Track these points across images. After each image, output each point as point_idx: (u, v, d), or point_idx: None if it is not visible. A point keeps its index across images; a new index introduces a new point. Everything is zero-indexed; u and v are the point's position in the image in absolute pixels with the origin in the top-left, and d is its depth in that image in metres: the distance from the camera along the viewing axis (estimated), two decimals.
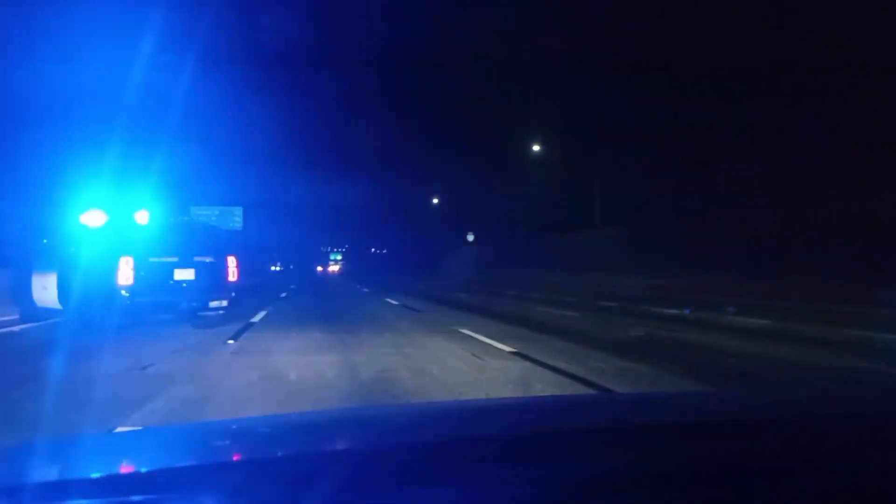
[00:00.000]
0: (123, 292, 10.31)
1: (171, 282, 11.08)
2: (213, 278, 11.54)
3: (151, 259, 10.83)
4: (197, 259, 11.40)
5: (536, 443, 1.26)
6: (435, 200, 73.10)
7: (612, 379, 6.17)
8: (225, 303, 11.87)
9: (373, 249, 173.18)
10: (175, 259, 11.22)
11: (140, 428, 4.23)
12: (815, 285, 22.56)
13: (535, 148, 41.97)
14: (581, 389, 5.74)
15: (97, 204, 11.49)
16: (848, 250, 22.48)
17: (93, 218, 11.22)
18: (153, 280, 10.75)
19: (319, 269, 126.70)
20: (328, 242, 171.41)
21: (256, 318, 12.87)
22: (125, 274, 10.34)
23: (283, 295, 24.22)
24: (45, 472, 1.10)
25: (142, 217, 11.29)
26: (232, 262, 12.22)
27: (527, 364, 7.07)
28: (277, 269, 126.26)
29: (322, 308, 17.45)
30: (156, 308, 10.97)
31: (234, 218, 63.78)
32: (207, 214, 63.30)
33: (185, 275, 11.15)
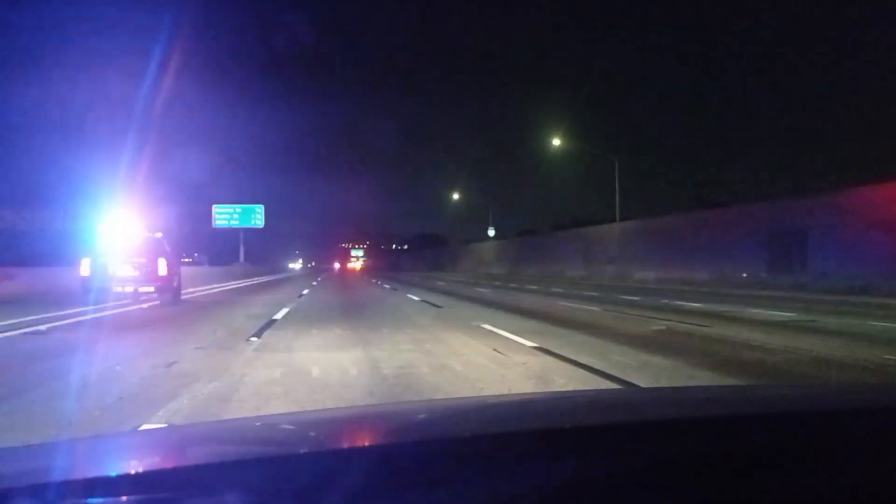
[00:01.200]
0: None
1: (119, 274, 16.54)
2: (145, 272, 16.77)
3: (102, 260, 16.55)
4: (135, 260, 16.92)
5: (560, 439, 1.25)
6: (455, 196, 72.99)
7: (635, 373, 6.14)
8: (152, 288, 16.79)
9: (394, 246, 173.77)
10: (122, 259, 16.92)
11: (165, 425, 4.27)
12: (842, 277, 22.32)
13: (556, 142, 41.63)
14: (603, 384, 5.72)
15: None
16: (875, 240, 22.20)
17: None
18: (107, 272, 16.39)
19: (337, 266, 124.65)
20: (349, 239, 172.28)
21: (278, 316, 12.95)
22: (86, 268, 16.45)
23: (305, 292, 24.34)
24: (70, 471, 1.11)
25: (113, 231, 17.83)
26: (162, 262, 17.03)
27: (549, 359, 7.05)
28: (299, 265, 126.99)
29: (343, 305, 17.52)
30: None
31: (256, 216, 64.08)
32: (229, 212, 63.73)
33: (126, 270, 16.68)
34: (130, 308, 15.30)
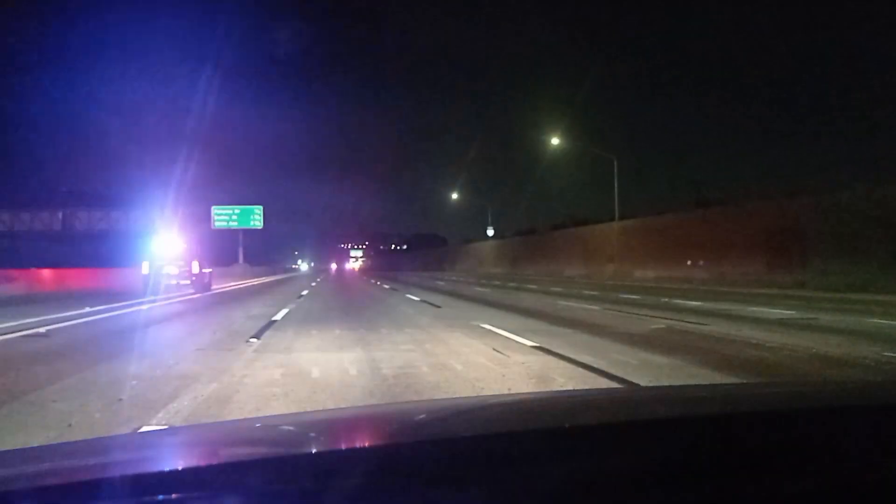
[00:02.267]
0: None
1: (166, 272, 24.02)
2: (184, 271, 24.54)
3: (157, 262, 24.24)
4: (177, 262, 24.57)
5: (561, 438, 1.25)
6: (454, 196, 72.95)
7: (635, 372, 6.14)
8: (188, 282, 24.26)
9: (393, 246, 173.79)
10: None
11: (165, 427, 4.27)
12: (841, 275, 22.32)
13: (555, 142, 41.59)
14: (603, 383, 5.72)
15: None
16: (875, 237, 22.21)
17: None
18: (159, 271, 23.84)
19: (334, 266, 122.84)
20: (348, 239, 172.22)
21: (278, 317, 12.94)
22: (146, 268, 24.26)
23: (305, 293, 24.33)
24: (72, 473, 1.11)
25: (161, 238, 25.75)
26: (195, 263, 24.70)
27: (549, 358, 7.05)
28: (298, 266, 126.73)
29: (342, 306, 17.52)
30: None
31: (255, 217, 64.04)
32: (228, 214, 63.69)
33: (171, 269, 24.20)
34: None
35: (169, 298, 19.94)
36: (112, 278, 26.40)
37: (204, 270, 25.28)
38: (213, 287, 27.07)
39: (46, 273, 26.80)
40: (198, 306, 17.52)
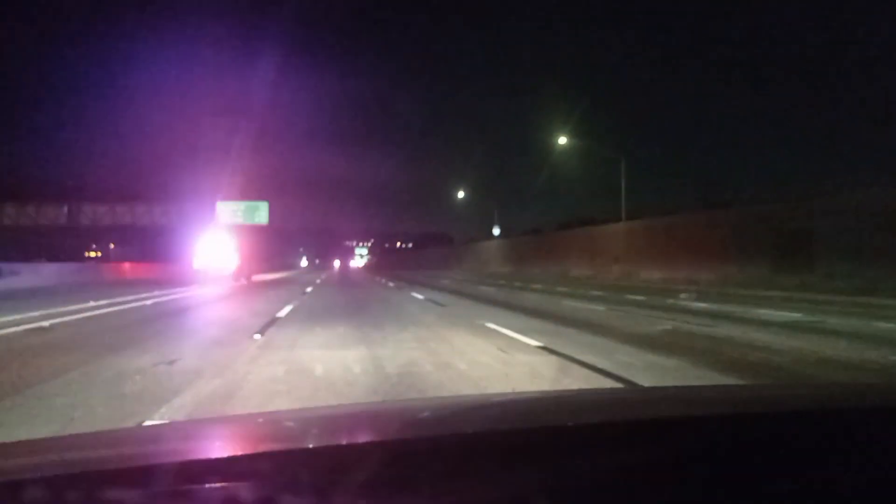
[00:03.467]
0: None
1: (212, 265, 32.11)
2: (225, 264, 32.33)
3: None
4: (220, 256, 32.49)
5: (564, 437, 1.24)
6: (461, 194, 72.91)
7: (640, 373, 6.12)
8: (230, 273, 31.11)
9: (398, 244, 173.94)
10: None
11: (167, 422, 4.27)
12: (848, 278, 22.26)
13: (562, 141, 41.53)
14: (608, 384, 5.70)
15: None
16: (883, 240, 22.13)
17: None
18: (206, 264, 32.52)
19: (337, 263, 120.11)
20: (353, 237, 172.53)
21: (282, 314, 12.97)
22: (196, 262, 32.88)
23: (309, 290, 24.37)
24: (74, 465, 1.11)
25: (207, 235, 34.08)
26: (235, 257, 32.35)
27: (553, 358, 7.04)
28: (304, 263, 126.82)
29: (347, 303, 17.53)
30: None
31: (260, 213, 64.12)
32: (233, 209, 63.81)
33: (216, 262, 31.77)
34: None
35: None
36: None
37: (241, 264, 33.06)
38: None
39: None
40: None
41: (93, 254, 72.66)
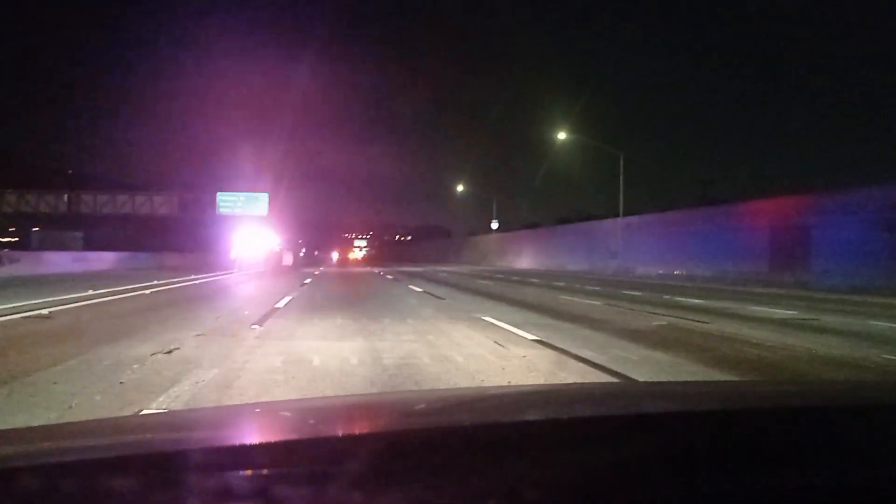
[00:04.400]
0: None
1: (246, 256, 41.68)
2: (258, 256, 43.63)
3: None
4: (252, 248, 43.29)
5: (558, 430, 1.26)
6: (460, 188, 72.78)
7: (635, 368, 6.15)
8: (262, 261, 41.64)
9: (397, 237, 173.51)
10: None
11: (165, 411, 4.30)
12: (844, 276, 22.28)
13: (562, 136, 41.44)
14: (603, 378, 5.73)
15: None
16: (879, 239, 22.16)
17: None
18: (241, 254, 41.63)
19: (336, 256, 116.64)
20: (352, 229, 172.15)
21: (281, 304, 12.99)
22: (234, 252, 40.83)
23: (308, 281, 24.37)
24: (73, 453, 1.12)
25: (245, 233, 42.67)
26: (264, 249, 44.01)
27: (549, 352, 7.07)
28: (301, 255, 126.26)
29: (345, 295, 17.54)
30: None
31: (260, 204, 63.95)
32: (233, 200, 63.62)
33: (249, 254, 41.48)
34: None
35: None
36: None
37: (271, 254, 42.69)
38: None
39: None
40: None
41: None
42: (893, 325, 10.57)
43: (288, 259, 55.68)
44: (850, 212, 24.01)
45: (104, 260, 36.40)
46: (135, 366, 5.87)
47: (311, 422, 1.49)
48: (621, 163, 38.35)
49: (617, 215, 40.23)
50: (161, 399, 4.66)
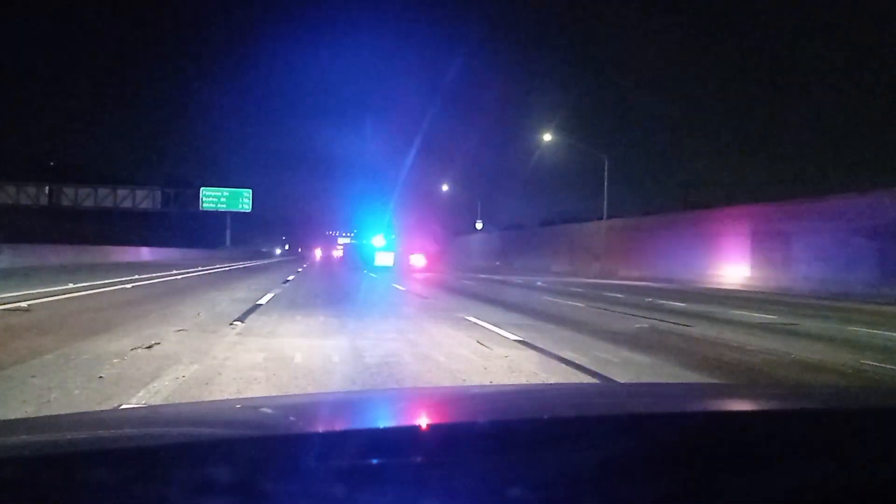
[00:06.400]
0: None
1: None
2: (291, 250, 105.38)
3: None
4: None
5: (539, 430, 1.26)
6: (444, 188, 72.68)
7: (616, 369, 6.18)
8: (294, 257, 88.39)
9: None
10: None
11: (145, 405, 4.27)
12: (824, 281, 22.49)
13: (546, 138, 41.51)
14: (584, 379, 5.75)
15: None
16: (860, 245, 22.39)
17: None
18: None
19: (319, 253, 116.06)
20: (335, 227, 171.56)
21: (263, 301, 12.93)
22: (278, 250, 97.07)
23: (291, 278, 24.28)
24: (50, 447, 1.12)
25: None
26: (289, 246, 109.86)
27: (531, 352, 7.08)
28: (286, 250, 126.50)
29: (328, 293, 17.49)
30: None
31: (244, 200, 63.71)
32: (217, 196, 63.33)
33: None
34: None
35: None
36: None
37: (303, 250, 69.63)
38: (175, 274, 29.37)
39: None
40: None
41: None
42: (873, 332, 10.68)
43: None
44: (827, 219, 24.25)
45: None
46: (114, 360, 5.83)
47: (292, 418, 1.49)
48: (605, 166, 38.49)
49: (601, 218, 40.38)
50: (141, 394, 4.63)
